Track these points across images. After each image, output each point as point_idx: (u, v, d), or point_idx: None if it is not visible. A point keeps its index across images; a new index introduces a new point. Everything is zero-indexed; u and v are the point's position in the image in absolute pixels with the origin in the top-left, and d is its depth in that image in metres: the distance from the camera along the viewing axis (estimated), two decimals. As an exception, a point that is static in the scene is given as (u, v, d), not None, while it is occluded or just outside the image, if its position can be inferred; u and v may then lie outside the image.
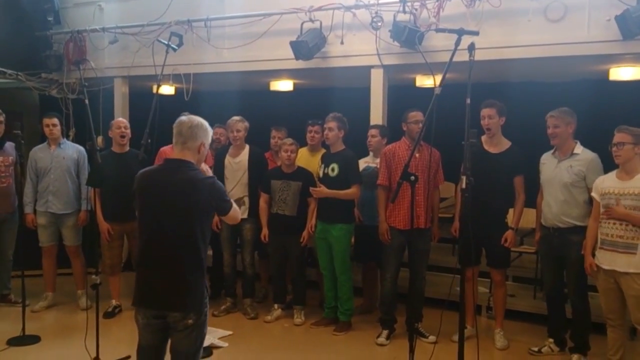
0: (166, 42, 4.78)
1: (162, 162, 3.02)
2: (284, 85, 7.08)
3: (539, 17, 4.96)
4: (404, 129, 4.88)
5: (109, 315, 5.41)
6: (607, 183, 4.02)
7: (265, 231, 5.31)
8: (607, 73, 5.62)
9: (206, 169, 3.07)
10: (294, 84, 7.13)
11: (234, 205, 3.05)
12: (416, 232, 4.72)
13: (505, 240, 4.67)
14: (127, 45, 6.60)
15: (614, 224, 3.90)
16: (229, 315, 5.52)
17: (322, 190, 4.96)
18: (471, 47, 3.28)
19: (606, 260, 3.95)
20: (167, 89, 7.76)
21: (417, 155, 4.76)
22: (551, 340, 4.68)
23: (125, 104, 7.01)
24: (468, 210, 3.28)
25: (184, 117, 2.94)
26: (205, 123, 2.97)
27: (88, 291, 5.41)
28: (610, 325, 4.08)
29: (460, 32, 3.27)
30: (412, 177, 3.32)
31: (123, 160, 5.38)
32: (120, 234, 5.50)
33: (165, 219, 2.83)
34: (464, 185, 3.22)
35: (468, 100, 3.26)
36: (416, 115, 4.80)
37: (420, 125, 4.76)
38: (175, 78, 6.33)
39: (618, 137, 3.92)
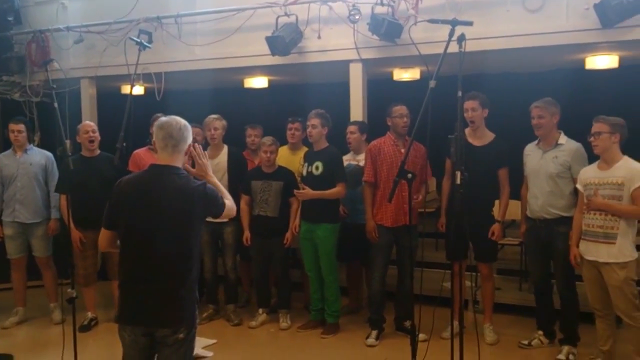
0: (139, 40, 4.56)
1: (148, 169, 2.81)
2: (258, 82, 6.91)
3: (517, 7, 4.93)
4: (389, 123, 4.77)
5: (85, 328, 5.17)
6: (589, 174, 4.03)
7: (247, 234, 5.15)
8: (583, 62, 5.63)
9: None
10: (269, 81, 6.97)
11: (227, 200, 2.88)
12: (404, 229, 4.63)
13: (493, 234, 4.62)
14: (94, 44, 6.35)
15: (594, 214, 3.91)
16: (212, 322, 5.33)
17: (306, 192, 4.82)
18: (461, 38, 3.21)
19: (588, 251, 3.96)
20: (136, 89, 7.50)
21: (402, 150, 4.67)
22: (540, 332, 4.66)
23: (93, 105, 6.77)
24: (462, 206, 3.20)
25: (167, 119, 2.77)
26: (188, 124, 2.83)
27: (62, 304, 5.17)
28: (598, 316, 4.07)
29: (454, 23, 3.19)
30: (410, 175, 3.21)
31: (94, 165, 5.16)
32: (93, 243, 5.20)
33: (158, 231, 2.65)
34: (458, 181, 3.14)
35: (460, 93, 3.19)
36: (400, 109, 4.70)
37: (405, 119, 4.68)
38: (145, 77, 6.09)
39: (595, 127, 3.91)
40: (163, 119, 2.79)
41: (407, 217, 4.62)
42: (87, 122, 5.56)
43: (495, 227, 4.62)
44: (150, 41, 5.36)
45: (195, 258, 2.74)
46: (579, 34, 4.74)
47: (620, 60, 5.42)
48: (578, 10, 4.68)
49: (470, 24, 3.27)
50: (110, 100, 6.84)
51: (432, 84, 3.11)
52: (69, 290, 3.95)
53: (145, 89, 7.08)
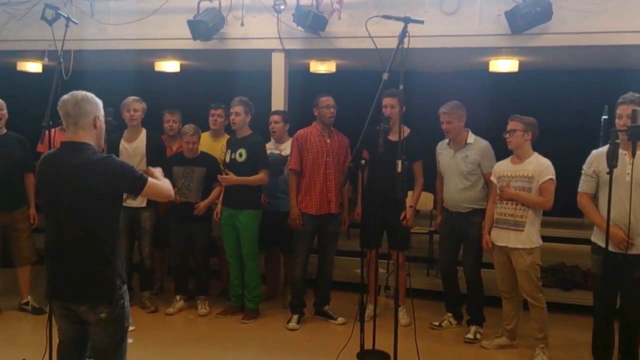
0: (66, 15, 4.28)
1: (59, 146, 2.79)
2: (170, 66, 6.73)
3: (435, 9, 5.17)
4: (315, 114, 4.88)
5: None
6: (502, 167, 4.38)
7: None
8: (487, 65, 6.07)
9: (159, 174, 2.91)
10: (181, 65, 6.81)
11: (153, 180, 2.78)
12: (327, 217, 4.77)
13: (405, 218, 4.73)
14: (-8, 16, 5.88)
15: (507, 203, 4.26)
16: (127, 310, 5.16)
17: (230, 177, 4.81)
18: (403, 35, 3.40)
19: (500, 237, 4.31)
20: (33, 67, 7.06)
21: (328, 141, 4.81)
22: (450, 314, 5.00)
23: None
24: (401, 192, 3.40)
25: (65, 97, 2.71)
26: (91, 95, 2.75)
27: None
28: (505, 298, 4.45)
29: (407, 20, 3.38)
30: (363, 162, 3.34)
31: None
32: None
33: (62, 208, 2.68)
34: (399, 169, 3.33)
35: (401, 87, 3.36)
36: (327, 100, 4.82)
37: (332, 110, 4.81)
38: (50, 55, 5.74)
39: (511, 124, 4.27)
40: (63, 97, 2.72)
41: (330, 205, 4.80)
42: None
43: (408, 211, 4.72)
44: (57, 17, 5.08)
45: (106, 235, 2.69)
46: (490, 38, 5.10)
47: (520, 64, 5.92)
48: (490, 16, 5.03)
49: (421, 22, 3.47)
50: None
51: (384, 76, 3.27)
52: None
53: (44, 67, 6.67)
